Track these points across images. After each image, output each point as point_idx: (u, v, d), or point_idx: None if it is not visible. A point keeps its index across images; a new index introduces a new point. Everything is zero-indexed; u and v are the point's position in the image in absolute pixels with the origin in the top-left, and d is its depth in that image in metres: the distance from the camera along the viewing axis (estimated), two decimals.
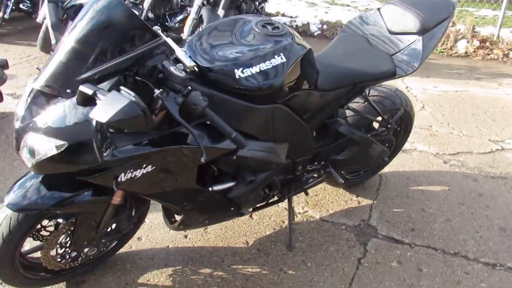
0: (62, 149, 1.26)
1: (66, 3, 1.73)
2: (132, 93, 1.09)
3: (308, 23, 6.02)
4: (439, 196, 2.51)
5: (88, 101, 1.23)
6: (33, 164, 1.31)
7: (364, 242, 2.15)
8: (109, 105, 1.06)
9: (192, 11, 4.19)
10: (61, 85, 1.28)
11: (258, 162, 1.62)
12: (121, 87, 1.16)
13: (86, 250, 1.68)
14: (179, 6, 5.04)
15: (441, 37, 1.99)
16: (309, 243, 2.14)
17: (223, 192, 1.68)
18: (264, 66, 1.49)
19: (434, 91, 4.00)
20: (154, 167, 1.41)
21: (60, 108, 1.28)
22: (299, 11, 6.41)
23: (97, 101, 1.12)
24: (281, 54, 1.53)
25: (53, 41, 1.50)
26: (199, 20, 4.21)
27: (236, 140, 1.36)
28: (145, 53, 1.25)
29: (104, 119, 1.04)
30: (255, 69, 1.47)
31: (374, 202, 2.44)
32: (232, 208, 1.76)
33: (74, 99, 1.26)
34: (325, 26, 5.98)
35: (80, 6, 1.65)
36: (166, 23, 4.79)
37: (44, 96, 1.35)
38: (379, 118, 2.10)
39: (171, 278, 1.91)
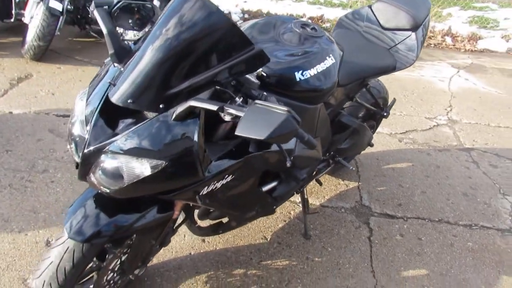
0: (159, 169, 1.16)
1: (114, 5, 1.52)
2: (285, 107, 1.05)
3: (229, 12, 6.02)
4: (408, 172, 2.84)
5: (187, 116, 1.16)
6: (120, 187, 1.19)
7: (365, 222, 2.36)
8: (262, 120, 1.00)
9: None
10: (151, 100, 1.17)
11: (307, 160, 1.68)
12: (257, 101, 1.09)
13: (137, 271, 1.57)
14: None
15: (426, 32, 2.24)
16: (321, 229, 2.26)
17: (269, 191, 1.70)
18: (320, 67, 1.54)
19: None
20: (233, 176, 1.38)
21: (151, 125, 1.17)
22: (218, 0, 6.35)
23: (242, 116, 1.04)
24: (331, 55, 1.59)
25: (110, 51, 1.32)
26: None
27: (309, 142, 1.40)
28: (242, 62, 1.20)
29: (262, 136, 0.99)
30: (313, 71, 1.51)
31: (359, 184, 2.66)
32: (274, 207, 1.79)
33: (167, 114, 1.17)
34: (246, 16, 6.06)
35: (125, 6, 1.48)
36: (88, 15, 4.37)
37: (115, 114, 1.22)
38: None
39: (207, 285, 1.88)
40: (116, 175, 1.19)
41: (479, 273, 2.08)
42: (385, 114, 2.34)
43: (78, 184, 2.41)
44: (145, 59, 1.17)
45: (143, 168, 1.17)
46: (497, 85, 4.53)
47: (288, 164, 1.36)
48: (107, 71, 1.35)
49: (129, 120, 1.24)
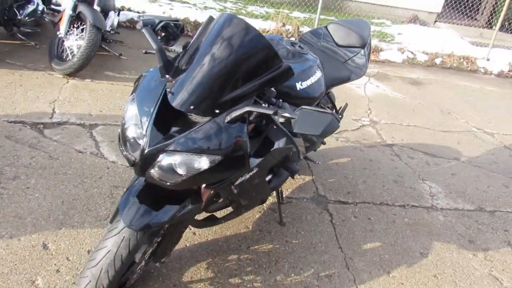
0: (215, 163, 1.40)
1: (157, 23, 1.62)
2: (329, 110, 1.35)
3: None
4: (349, 165, 3.34)
5: (239, 119, 1.42)
6: (180, 180, 1.40)
7: (325, 208, 2.78)
8: (314, 120, 1.30)
9: (67, 8, 3.89)
10: (208, 106, 1.40)
11: (298, 155, 2.02)
12: (303, 106, 1.38)
13: (164, 259, 1.75)
14: None
15: (370, 48, 2.73)
16: (291, 217, 2.62)
17: (268, 182, 2.01)
18: (313, 79, 1.89)
19: None
20: (257, 169, 1.66)
21: (209, 126, 1.41)
22: (143, 7, 6.40)
23: (296, 118, 1.32)
24: (318, 68, 1.96)
25: (159, 64, 1.49)
26: (76, 17, 3.94)
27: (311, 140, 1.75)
28: (275, 76, 1.49)
29: (317, 132, 1.29)
30: (309, 82, 1.86)
31: (313, 177, 3.09)
32: (269, 197, 2.09)
33: (221, 117, 1.41)
34: None
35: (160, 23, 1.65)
36: (16, 17, 4.19)
37: (167, 118, 1.43)
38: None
39: (209, 270, 2.11)
40: (176, 170, 1.40)
41: (417, 241, 2.62)
42: (340, 116, 2.78)
43: (56, 190, 2.44)
44: (201, 72, 1.40)
45: (202, 162, 1.40)
46: (401, 91, 5.36)
47: (301, 157, 1.69)
48: (152, 81, 1.53)
49: (180, 124, 1.46)
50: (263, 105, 1.50)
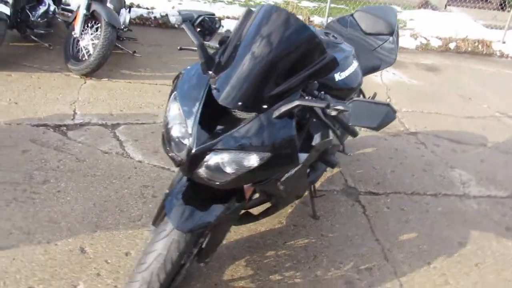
0: (264, 161, 1.36)
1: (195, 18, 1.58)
2: (385, 102, 1.30)
3: (167, 15, 6.05)
4: (375, 155, 3.29)
5: (287, 114, 1.37)
6: (230, 179, 1.36)
7: (356, 200, 2.73)
8: (370, 112, 1.25)
9: (81, 7, 3.84)
10: (256, 102, 1.36)
11: (337, 147, 1.97)
12: (356, 98, 1.33)
13: (208, 259, 1.72)
14: None
15: (398, 36, 2.67)
16: (324, 210, 2.58)
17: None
18: (351, 69, 1.83)
19: None
20: (302, 164, 1.61)
21: (257, 122, 1.36)
22: (152, 2, 6.33)
23: (350, 111, 1.27)
24: (354, 58, 1.90)
25: (201, 60, 1.44)
26: (90, 16, 3.90)
27: (354, 131, 1.70)
28: (321, 68, 1.44)
29: (375, 124, 1.24)
30: (347, 72, 1.81)
31: (341, 169, 3.04)
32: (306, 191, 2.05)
33: (268, 113, 1.37)
34: None
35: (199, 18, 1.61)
36: (29, 18, 4.15)
37: (213, 116, 1.38)
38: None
39: (249, 268, 2.08)
40: (225, 168, 1.35)
41: (454, 230, 2.57)
42: None
43: (86, 192, 2.41)
44: (247, 66, 1.35)
45: (251, 160, 1.35)
46: (418, 77, 5.28)
47: (348, 153, 1.64)
48: (193, 78, 1.49)
49: (225, 121, 1.41)
50: (306, 98, 1.44)
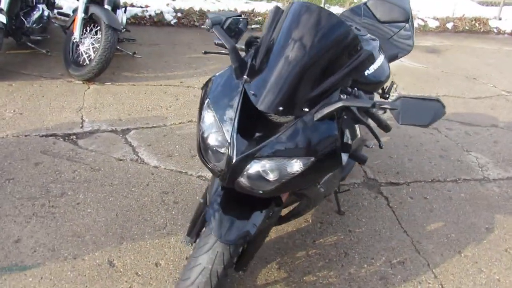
0: (308, 165, 1.31)
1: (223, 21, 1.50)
2: (434, 97, 1.25)
3: (161, 12, 5.94)
4: (390, 144, 3.25)
5: (328, 116, 1.32)
6: (274, 187, 1.31)
7: (379, 192, 2.70)
8: (420, 110, 1.20)
9: (79, 11, 3.73)
10: (297, 105, 1.30)
11: (364, 143, 1.93)
12: (403, 94, 1.28)
13: (246, 267, 1.68)
14: (33, 1, 4.26)
15: (413, 21, 2.61)
16: (348, 205, 2.55)
17: None
18: (378, 62, 1.78)
19: None
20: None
21: (298, 126, 1.31)
22: (146, 0, 6.20)
23: (398, 109, 1.22)
24: (381, 52, 1.84)
25: (234, 65, 1.38)
26: (89, 19, 3.80)
27: (387, 126, 1.65)
28: (359, 64, 1.39)
29: (426, 122, 1.20)
30: (375, 65, 1.75)
31: None
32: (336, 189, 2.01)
33: (308, 116, 1.31)
34: (179, 14, 6.03)
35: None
36: (24, 25, 4.04)
37: (250, 122, 1.33)
38: None
39: (282, 270, 2.04)
40: (267, 177, 1.30)
41: (479, 216, 2.55)
42: (387, 96, 2.67)
43: (106, 202, 2.36)
44: (284, 69, 1.29)
45: (295, 166, 1.30)
46: (420, 60, 5.23)
47: (382, 146, 1.59)
48: (225, 84, 1.43)
49: (262, 126, 1.36)
50: (347, 97, 1.39)
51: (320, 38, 1.32)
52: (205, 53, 1.67)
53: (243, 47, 1.61)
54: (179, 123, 3.28)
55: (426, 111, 1.21)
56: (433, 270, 2.13)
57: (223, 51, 1.62)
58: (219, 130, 1.36)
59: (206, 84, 1.52)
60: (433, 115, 1.22)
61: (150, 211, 2.33)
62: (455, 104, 4.05)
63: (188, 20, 5.96)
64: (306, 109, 1.32)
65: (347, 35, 1.36)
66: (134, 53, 4.37)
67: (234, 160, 1.31)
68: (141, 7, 5.95)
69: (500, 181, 2.91)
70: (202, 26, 1.50)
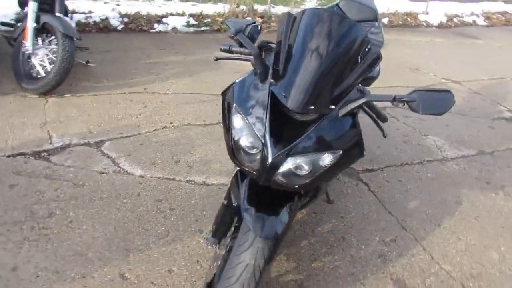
0: (337, 158, 1.42)
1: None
2: (446, 89, 1.40)
3: (107, 18, 5.77)
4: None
5: (351, 112, 1.43)
6: (309, 181, 1.40)
7: (358, 179, 2.89)
8: (436, 101, 1.35)
9: (29, 20, 3.54)
10: (325, 103, 1.40)
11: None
12: (417, 87, 1.42)
13: (273, 261, 1.75)
14: None
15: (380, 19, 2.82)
16: (334, 193, 2.70)
17: None
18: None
19: None
20: None
21: (326, 123, 1.41)
22: (90, 6, 5.95)
23: (416, 101, 1.36)
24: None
25: (259, 70, 1.41)
26: (41, 28, 3.62)
27: (384, 117, 1.81)
28: (371, 63, 1.51)
29: (443, 111, 1.35)
30: None
31: None
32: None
33: (333, 112, 1.42)
34: (126, 19, 5.89)
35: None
36: None
37: (280, 121, 1.41)
38: None
39: (290, 260, 2.14)
40: (302, 172, 1.39)
41: (447, 192, 2.83)
42: None
43: (101, 217, 2.30)
44: (310, 71, 1.38)
45: (326, 159, 1.41)
46: None
47: (386, 135, 1.75)
48: (250, 88, 1.49)
49: (290, 125, 1.44)
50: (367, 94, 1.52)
51: (338, 40, 1.43)
52: (217, 59, 1.71)
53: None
54: (154, 130, 3.24)
55: (440, 101, 1.38)
56: (421, 244, 2.34)
57: (233, 56, 1.68)
58: (250, 132, 1.42)
59: (227, 90, 1.58)
60: (447, 104, 1.38)
61: (149, 221, 2.31)
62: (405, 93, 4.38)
63: (136, 25, 5.84)
64: (333, 106, 1.43)
65: (360, 36, 1.48)
66: (88, 61, 4.22)
67: (270, 159, 1.38)
68: (84, 13, 5.73)
69: (457, 160, 3.24)
70: (227, 33, 1.53)
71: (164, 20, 6.12)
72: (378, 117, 1.73)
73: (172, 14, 6.18)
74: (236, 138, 1.45)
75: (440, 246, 2.34)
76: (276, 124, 1.42)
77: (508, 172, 3.13)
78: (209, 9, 6.43)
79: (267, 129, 1.40)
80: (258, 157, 1.41)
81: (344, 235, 2.34)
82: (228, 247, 1.60)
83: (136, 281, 1.94)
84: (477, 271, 2.19)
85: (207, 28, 6.26)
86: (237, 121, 1.46)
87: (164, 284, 1.94)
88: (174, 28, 6.03)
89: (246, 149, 1.43)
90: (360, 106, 1.45)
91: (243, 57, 1.63)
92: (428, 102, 1.38)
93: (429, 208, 2.65)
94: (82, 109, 3.44)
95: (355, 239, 2.33)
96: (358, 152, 1.50)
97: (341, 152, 1.42)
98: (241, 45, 1.60)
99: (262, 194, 1.53)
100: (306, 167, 1.40)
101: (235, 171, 1.67)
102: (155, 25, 6.01)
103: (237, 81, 1.57)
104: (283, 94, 1.42)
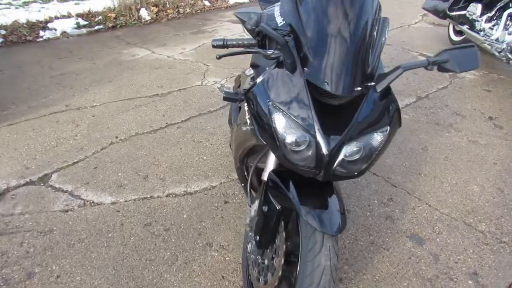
0: (386, 136, 1.36)
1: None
2: (469, 43, 1.40)
3: None
4: None
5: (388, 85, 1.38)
6: (367, 165, 1.33)
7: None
8: (466, 56, 1.36)
9: None
10: (366, 82, 1.32)
11: None
12: (444, 48, 1.39)
13: None
14: None
15: None
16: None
17: None
18: None
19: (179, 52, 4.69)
20: None
21: (369, 102, 1.33)
22: None
23: (450, 60, 1.35)
24: None
25: (289, 60, 1.23)
26: None
27: None
28: (384, 30, 1.46)
29: (476, 65, 1.36)
30: None
31: None
32: None
33: (372, 90, 1.35)
34: (3, 31, 5.10)
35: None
36: None
37: (322, 111, 1.31)
38: None
39: None
40: (358, 158, 1.32)
41: (411, 141, 3.01)
42: None
43: (92, 261, 1.99)
44: (345, 51, 1.28)
45: (378, 139, 1.34)
46: None
47: None
48: (279, 81, 1.35)
49: (330, 112, 1.34)
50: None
51: (358, 12, 1.34)
52: (219, 57, 1.51)
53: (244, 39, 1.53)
54: (101, 149, 2.87)
55: (468, 56, 1.40)
56: (414, 195, 2.46)
57: (236, 51, 1.51)
58: (297, 128, 1.29)
59: (249, 91, 1.41)
60: (476, 57, 1.41)
61: (149, 249, 2.05)
62: None
63: (18, 36, 5.08)
64: (373, 83, 1.36)
65: (376, 5, 1.42)
66: None
67: (326, 154, 1.27)
68: None
69: (405, 109, 3.45)
70: (244, 26, 1.34)
71: (49, 25, 5.43)
72: None
73: (57, 18, 5.49)
74: (282, 138, 1.31)
75: (431, 193, 2.48)
76: (321, 115, 1.31)
77: (447, 110, 3.42)
78: (96, 5, 5.84)
79: (317, 123, 1.28)
80: (310, 153, 1.29)
81: (346, 208, 2.35)
82: (280, 253, 1.49)
83: None
84: (470, 206, 2.36)
85: (101, 26, 5.72)
86: (280, 120, 1.31)
87: None
88: (64, 33, 5.39)
89: (297, 147, 1.30)
90: (399, 75, 1.40)
91: (246, 50, 1.48)
92: (460, 59, 1.39)
93: (404, 160, 2.78)
94: (4, 144, 2.90)
95: (358, 208, 2.35)
96: (399, 123, 1.47)
97: (388, 128, 1.37)
98: (262, 36, 1.45)
99: (306, 189, 1.43)
100: (361, 152, 1.32)
101: (267, 174, 1.53)
102: (41, 33, 5.30)
103: (259, 79, 1.42)
104: (326, 81, 1.30)
